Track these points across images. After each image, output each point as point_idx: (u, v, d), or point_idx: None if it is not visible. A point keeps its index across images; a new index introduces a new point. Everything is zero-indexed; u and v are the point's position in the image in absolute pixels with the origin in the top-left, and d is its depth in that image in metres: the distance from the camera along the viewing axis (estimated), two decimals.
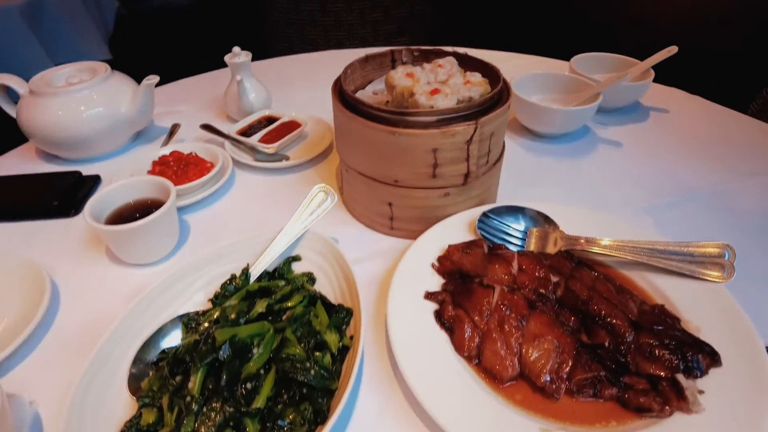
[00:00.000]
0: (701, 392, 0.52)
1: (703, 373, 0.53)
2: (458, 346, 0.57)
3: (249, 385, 0.48)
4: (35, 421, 0.53)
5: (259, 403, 0.47)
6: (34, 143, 1.02)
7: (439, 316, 0.59)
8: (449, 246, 0.68)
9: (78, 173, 0.93)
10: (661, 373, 0.52)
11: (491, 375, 0.55)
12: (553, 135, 1.06)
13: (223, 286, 0.62)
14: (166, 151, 0.92)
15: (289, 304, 0.57)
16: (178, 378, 0.50)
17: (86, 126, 0.95)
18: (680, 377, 0.51)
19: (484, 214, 0.71)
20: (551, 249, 0.69)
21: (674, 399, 0.50)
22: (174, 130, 1.06)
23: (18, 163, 1.03)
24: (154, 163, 0.90)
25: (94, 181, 0.94)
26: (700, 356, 0.53)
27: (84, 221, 0.85)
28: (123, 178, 0.81)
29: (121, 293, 0.70)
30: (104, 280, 0.73)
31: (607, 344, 0.55)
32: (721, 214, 0.83)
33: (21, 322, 0.63)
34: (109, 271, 0.75)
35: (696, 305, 0.61)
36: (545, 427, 0.49)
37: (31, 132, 0.96)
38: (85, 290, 0.72)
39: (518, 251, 0.68)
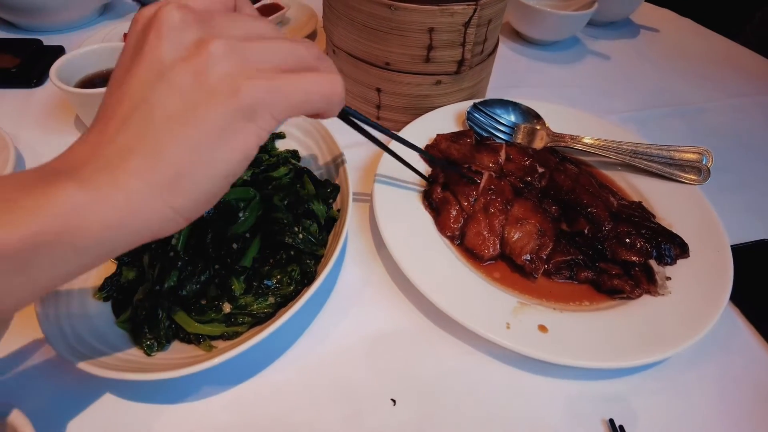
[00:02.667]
0: (669, 278, 0.54)
1: (673, 261, 0.56)
2: (443, 226, 0.57)
3: (235, 246, 0.47)
4: None
5: (246, 261, 0.47)
6: None
7: (427, 196, 0.59)
8: (438, 135, 0.67)
9: (39, 41, 0.86)
10: (635, 259, 0.54)
11: (472, 254, 0.56)
12: (545, 42, 1.04)
13: None
14: None
15: (275, 174, 0.55)
16: None
17: None
18: (652, 262, 0.54)
19: (475, 106, 0.69)
20: (538, 144, 0.69)
21: (645, 282, 0.53)
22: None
23: None
24: (125, 36, 0.83)
25: (57, 51, 0.87)
26: (671, 246, 0.56)
27: (47, 92, 0.79)
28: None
29: None
30: None
31: (586, 231, 0.57)
32: (702, 129, 0.85)
33: None
34: None
35: (671, 204, 0.63)
36: (523, 301, 0.51)
37: None
38: None
39: (506, 142, 0.67)
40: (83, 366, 0.39)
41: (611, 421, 0.46)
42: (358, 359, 0.49)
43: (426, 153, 0.57)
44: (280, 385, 0.47)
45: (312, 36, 0.96)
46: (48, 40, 0.89)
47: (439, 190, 0.59)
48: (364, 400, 0.46)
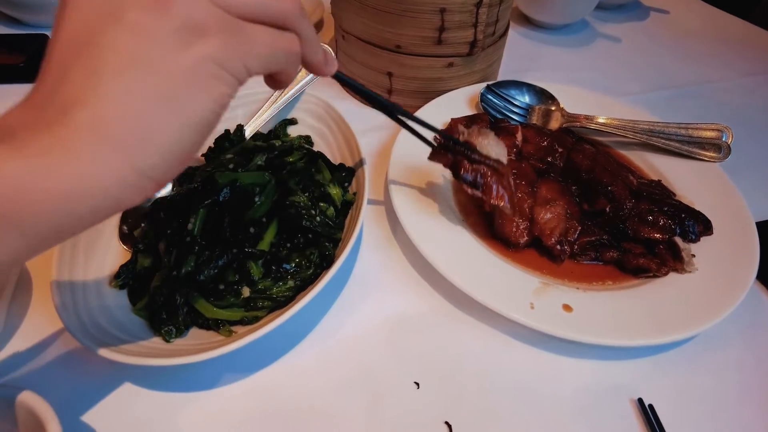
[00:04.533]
0: (693, 256, 0.53)
1: (697, 238, 0.54)
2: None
3: (252, 230, 0.47)
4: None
5: (264, 245, 0.46)
6: None
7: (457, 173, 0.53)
8: (452, 119, 0.66)
9: (45, 36, 0.85)
10: (659, 236, 0.53)
11: (506, 243, 0.54)
12: (554, 26, 1.03)
13: (217, 140, 0.58)
14: None
15: (290, 159, 0.54)
16: (174, 224, 0.48)
17: None
18: (677, 239, 0.53)
19: (488, 87, 0.68)
20: (553, 125, 0.68)
21: (670, 260, 0.52)
22: None
23: None
24: None
25: None
26: (695, 222, 0.55)
27: None
28: None
29: None
30: None
31: (607, 210, 0.55)
32: (715, 108, 0.84)
33: None
34: None
35: (691, 182, 0.62)
36: (545, 281, 0.51)
37: None
38: None
39: (521, 123, 0.66)
40: (104, 353, 0.39)
41: (640, 400, 0.45)
42: (378, 343, 0.48)
43: (442, 132, 0.51)
44: (300, 370, 0.46)
45: (319, 24, 0.95)
46: None
47: (467, 165, 0.50)
48: (386, 384, 0.45)
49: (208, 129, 0.27)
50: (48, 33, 0.87)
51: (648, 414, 0.44)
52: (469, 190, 0.49)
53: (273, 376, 0.45)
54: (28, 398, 0.35)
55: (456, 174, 0.50)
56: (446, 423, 0.43)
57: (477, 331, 0.50)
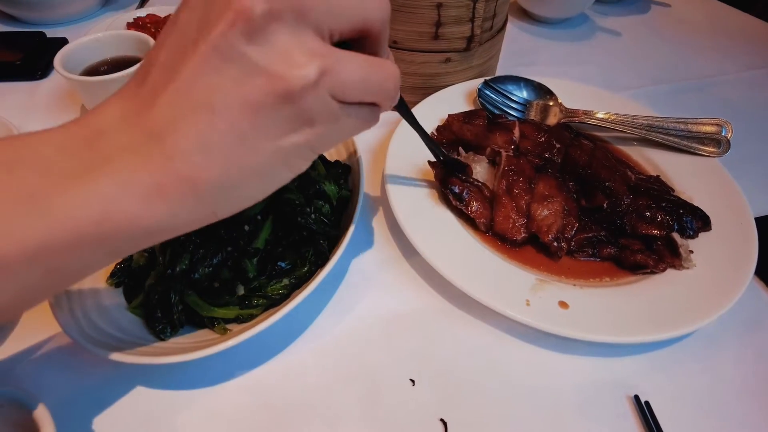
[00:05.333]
0: (691, 252, 0.53)
1: (695, 234, 0.54)
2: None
3: (247, 228, 0.47)
4: None
5: (259, 243, 0.46)
6: None
7: (447, 187, 0.57)
8: (449, 115, 0.65)
9: (42, 33, 0.85)
10: (656, 233, 0.53)
11: (504, 240, 0.54)
12: (553, 20, 1.02)
13: None
14: (142, 13, 0.84)
15: None
16: None
17: None
18: (675, 235, 0.52)
19: (486, 83, 0.68)
20: (551, 121, 0.67)
21: (668, 256, 0.52)
22: None
23: None
24: (129, 26, 0.82)
25: (61, 43, 0.86)
26: (693, 218, 0.54)
27: (52, 84, 0.79)
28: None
29: None
30: None
31: (605, 206, 0.55)
32: (716, 102, 0.83)
33: None
34: None
35: (689, 177, 0.62)
36: (542, 278, 0.50)
37: None
38: None
39: (519, 119, 0.66)
40: (99, 352, 0.39)
41: (636, 397, 0.44)
42: (374, 340, 0.48)
43: (436, 147, 0.53)
44: (296, 367, 0.46)
45: None
46: (51, 32, 0.88)
47: (458, 183, 0.55)
48: (382, 381, 0.45)
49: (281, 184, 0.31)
50: (45, 30, 0.87)
51: (644, 411, 0.43)
52: (453, 201, 0.54)
53: (268, 373, 0.45)
54: (23, 398, 0.35)
55: (444, 185, 0.55)
56: (441, 420, 0.43)
57: (473, 328, 0.49)
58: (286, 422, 0.42)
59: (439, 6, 0.61)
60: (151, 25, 0.82)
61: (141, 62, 0.28)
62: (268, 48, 0.25)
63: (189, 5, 0.26)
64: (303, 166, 0.30)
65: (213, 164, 0.26)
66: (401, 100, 0.40)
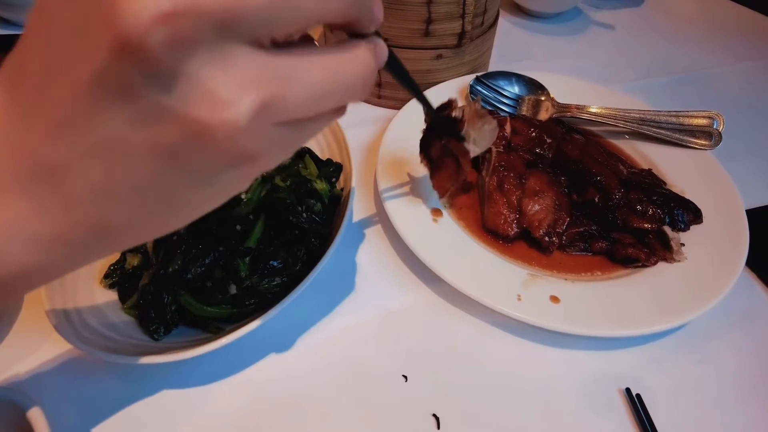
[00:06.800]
0: (683, 245, 0.53)
1: (686, 227, 0.54)
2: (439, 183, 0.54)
3: (239, 228, 0.47)
4: None
5: (251, 242, 0.46)
6: None
7: (425, 148, 0.53)
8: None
9: None
10: (648, 226, 0.53)
11: (496, 236, 0.54)
12: (546, 14, 1.02)
13: None
14: None
15: None
16: None
17: None
18: (666, 228, 0.52)
19: (477, 79, 0.68)
20: (543, 116, 0.67)
21: (660, 249, 0.52)
22: None
23: None
24: None
25: None
26: (684, 211, 0.54)
27: None
28: None
29: None
30: None
31: (596, 200, 0.55)
32: (711, 95, 0.83)
33: None
34: None
35: (682, 170, 0.62)
36: (533, 272, 0.51)
37: None
38: None
39: (510, 114, 0.66)
40: (93, 353, 0.39)
41: (627, 390, 0.45)
42: (367, 337, 0.48)
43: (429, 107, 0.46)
44: (289, 365, 0.46)
45: None
46: None
47: (439, 146, 0.52)
48: (375, 377, 0.45)
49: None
50: None
51: (636, 403, 0.44)
52: (423, 161, 0.52)
53: (262, 371, 0.46)
54: (17, 399, 0.35)
55: (421, 148, 0.52)
56: (434, 415, 0.43)
57: (465, 324, 0.50)
58: (280, 419, 0.43)
59: (429, 2, 0.61)
60: None
61: (8, 58, 0.21)
62: (177, 86, 0.17)
63: None
64: (242, 188, 0.24)
65: (122, 210, 0.21)
66: (391, 54, 0.30)
